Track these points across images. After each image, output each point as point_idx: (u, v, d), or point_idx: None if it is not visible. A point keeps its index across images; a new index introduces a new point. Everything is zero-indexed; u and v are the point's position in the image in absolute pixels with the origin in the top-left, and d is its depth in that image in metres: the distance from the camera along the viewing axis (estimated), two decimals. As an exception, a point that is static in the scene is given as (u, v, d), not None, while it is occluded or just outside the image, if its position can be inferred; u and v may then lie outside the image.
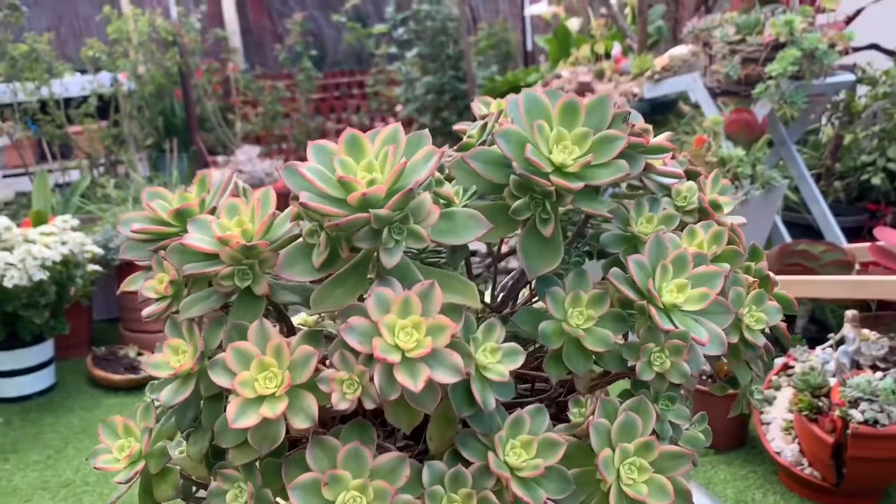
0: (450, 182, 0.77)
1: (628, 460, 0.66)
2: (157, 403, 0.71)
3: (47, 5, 6.17)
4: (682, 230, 0.82)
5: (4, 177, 5.14)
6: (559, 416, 0.77)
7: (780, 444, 2.17)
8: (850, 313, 2.18)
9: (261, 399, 0.60)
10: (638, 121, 0.82)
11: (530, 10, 4.54)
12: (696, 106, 3.32)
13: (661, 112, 3.59)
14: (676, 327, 0.69)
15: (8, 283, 2.59)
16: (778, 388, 2.28)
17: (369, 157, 0.64)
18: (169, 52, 4.81)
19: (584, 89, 3.49)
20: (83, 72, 5.01)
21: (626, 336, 0.73)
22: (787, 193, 3.40)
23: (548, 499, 0.65)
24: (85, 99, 4.78)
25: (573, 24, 4.31)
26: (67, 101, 4.97)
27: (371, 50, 4.94)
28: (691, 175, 0.93)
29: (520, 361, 0.66)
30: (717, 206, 0.84)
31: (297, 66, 5.11)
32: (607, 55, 3.78)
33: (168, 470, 0.68)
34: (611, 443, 0.67)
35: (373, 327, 0.59)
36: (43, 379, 2.93)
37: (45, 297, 2.76)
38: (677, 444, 0.74)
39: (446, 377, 0.59)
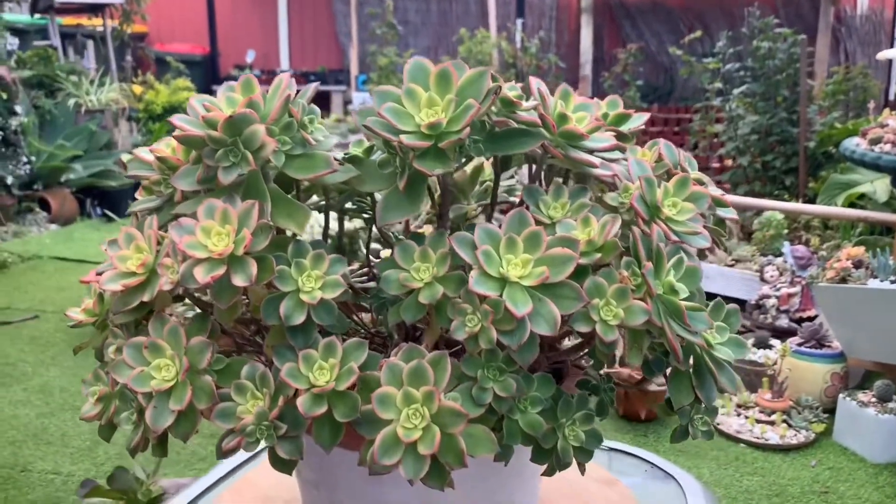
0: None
1: (413, 405, 0.69)
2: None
3: (432, 27, 7.04)
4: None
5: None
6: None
7: None
8: None
9: (130, 273, 0.76)
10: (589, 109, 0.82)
11: (883, 55, 4.04)
12: None
13: None
14: (500, 296, 0.70)
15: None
16: None
17: (251, 96, 0.76)
18: (507, 73, 5.22)
19: (905, 141, 3.07)
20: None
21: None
22: None
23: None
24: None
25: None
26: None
27: (703, 84, 4.81)
28: (669, 175, 0.89)
29: (338, 292, 0.73)
30: (655, 209, 0.80)
31: (622, 94, 5.18)
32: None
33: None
34: (401, 384, 0.70)
35: (195, 228, 0.71)
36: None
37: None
38: (510, 418, 0.74)
39: (239, 281, 0.69)
